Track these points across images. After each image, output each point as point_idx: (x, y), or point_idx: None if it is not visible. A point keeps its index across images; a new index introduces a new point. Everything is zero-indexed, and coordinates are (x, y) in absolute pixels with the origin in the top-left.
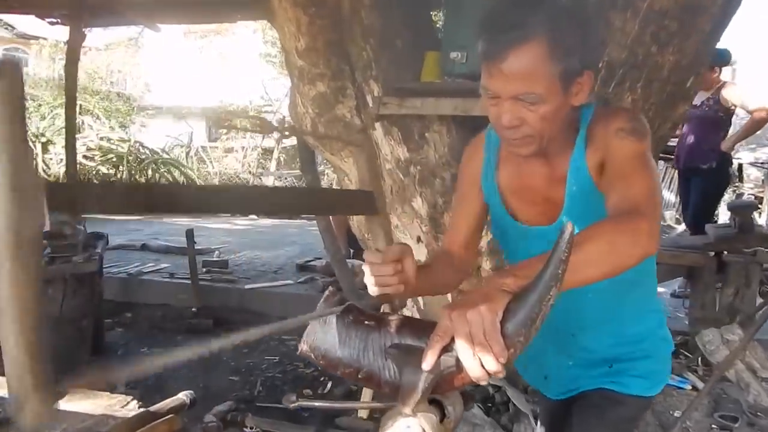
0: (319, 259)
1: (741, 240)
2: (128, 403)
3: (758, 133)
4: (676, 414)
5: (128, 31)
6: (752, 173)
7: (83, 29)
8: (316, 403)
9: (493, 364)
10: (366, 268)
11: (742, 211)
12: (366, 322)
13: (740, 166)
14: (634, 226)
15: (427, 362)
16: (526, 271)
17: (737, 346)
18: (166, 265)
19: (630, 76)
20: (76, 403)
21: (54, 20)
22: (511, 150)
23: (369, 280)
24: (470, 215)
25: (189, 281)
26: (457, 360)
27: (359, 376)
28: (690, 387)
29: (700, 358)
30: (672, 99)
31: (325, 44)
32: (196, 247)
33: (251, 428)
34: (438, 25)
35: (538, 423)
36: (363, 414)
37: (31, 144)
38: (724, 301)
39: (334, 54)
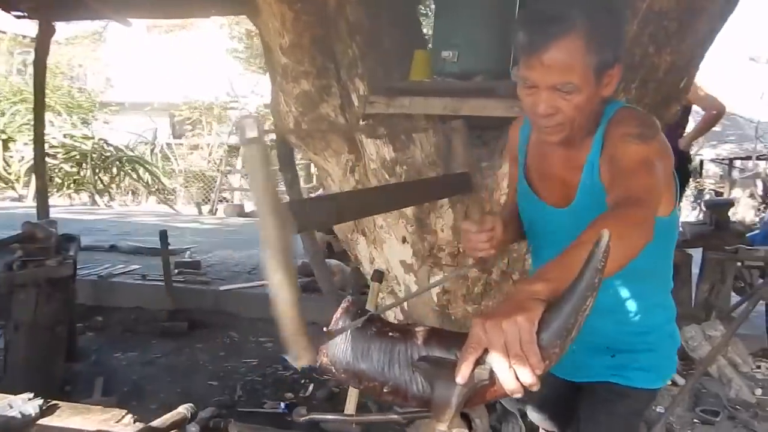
0: (295, 258)
1: (717, 237)
2: (123, 417)
3: (718, 129)
4: (659, 409)
5: (92, 24)
6: (711, 169)
7: (52, 23)
8: (329, 416)
9: (529, 377)
10: (464, 235)
11: (719, 208)
12: (390, 334)
13: (701, 162)
14: (637, 219)
15: (462, 375)
16: (554, 274)
17: (719, 342)
18: (136, 266)
19: (624, 77)
20: (66, 419)
21: (20, 14)
22: (542, 137)
23: (466, 245)
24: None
25: (162, 283)
26: (491, 372)
27: (384, 390)
28: (669, 382)
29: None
30: (666, 99)
31: (311, 41)
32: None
33: None
34: (424, 23)
35: (527, 410)
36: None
37: None
38: (700, 297)
39: (319, 51)
